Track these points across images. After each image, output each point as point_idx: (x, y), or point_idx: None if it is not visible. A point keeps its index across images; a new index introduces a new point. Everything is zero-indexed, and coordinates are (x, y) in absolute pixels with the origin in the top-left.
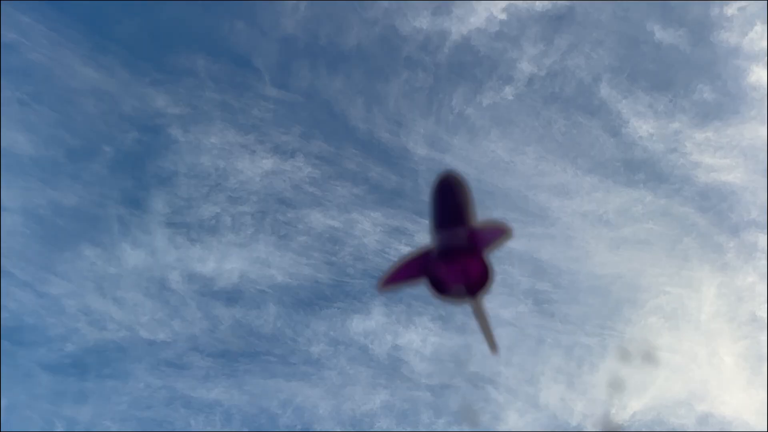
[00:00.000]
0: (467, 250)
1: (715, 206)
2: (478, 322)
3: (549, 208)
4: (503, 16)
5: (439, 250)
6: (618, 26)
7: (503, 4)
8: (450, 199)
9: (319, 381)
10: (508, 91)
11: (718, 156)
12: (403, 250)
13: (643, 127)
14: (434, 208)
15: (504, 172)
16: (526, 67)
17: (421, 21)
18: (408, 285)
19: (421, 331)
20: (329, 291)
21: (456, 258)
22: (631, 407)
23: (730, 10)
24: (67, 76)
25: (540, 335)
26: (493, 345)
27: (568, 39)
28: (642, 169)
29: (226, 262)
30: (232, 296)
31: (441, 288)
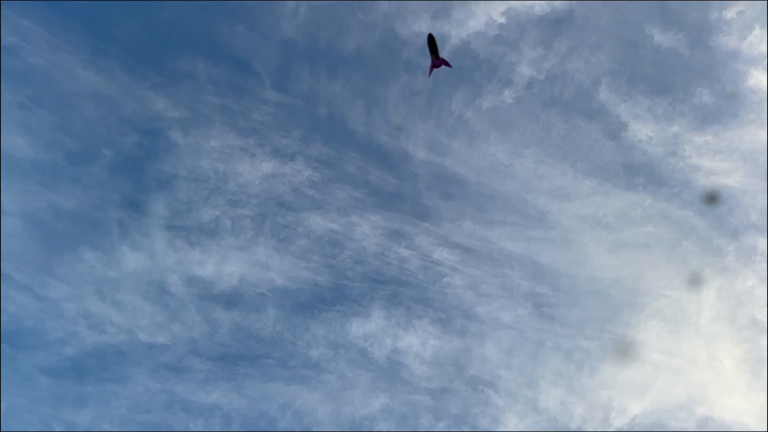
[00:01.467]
0: (437, 59)
1: (715, 209)
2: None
3: (548, 211)
4: (502, 20)
5: (433, 60)
6: (617, 30)
7: (502, 7)
8: (432, 45)
9: (318, 384)
10: (508, 95)
11: (717, 159)
12: (402, 253)
13: (643, 130)
14: (428, 47)
15: (503, 175)
16: (525, 71)
17: (421, 24)
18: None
19: (420, 335)
20: (329, 294)
21: (436, 60)
22: (631, 411)
23: (729, 13)
24: (67, 79)
25: (540, 339)
26: (448, 65)
27: (567, 42)
28: (641, 173)
29: (226, 265)
30: (231, 300)
31: (435, 66)
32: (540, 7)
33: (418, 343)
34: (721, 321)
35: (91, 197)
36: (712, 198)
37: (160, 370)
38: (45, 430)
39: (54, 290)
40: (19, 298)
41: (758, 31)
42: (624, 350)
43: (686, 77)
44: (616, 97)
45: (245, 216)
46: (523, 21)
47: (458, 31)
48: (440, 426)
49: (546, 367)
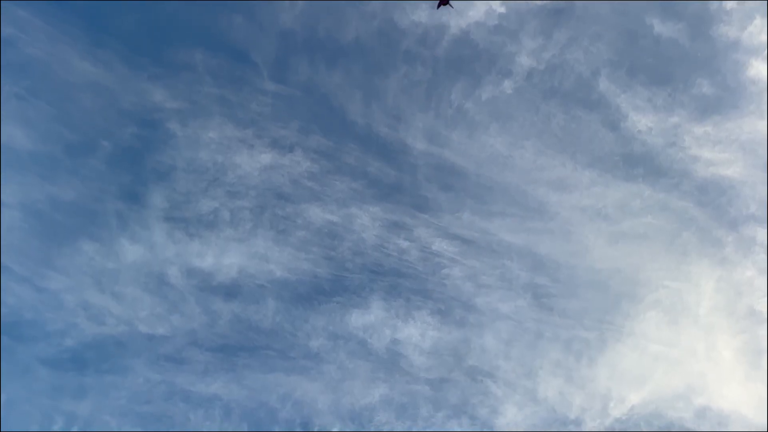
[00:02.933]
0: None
1: (714, 200)
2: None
3: (548, 202)
4: (502, 10)
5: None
6: (617, 20)
7: None
8: None
9: (318, 375)
10: (507, 85)
11: (717, 150)
12: (402, 245)
13: (642, 121)
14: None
15: (503, 166)
16: (525, 61)
17: (420, 14)
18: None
19: (420, 326)
20: (328, 286)
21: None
22: (630, 400)
23: (730, 4)
24: (65, 70)
25: (539, 329)
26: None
27: (567, 33)
28: (641, 164)
29: (225, 257)
30: (230, 291)
31: (443, 3)
32: None
33: (418, 333)
34: (720, 312)
35: (90, 189)
36: None
37: (159, 361)
38: (45, 425)
39: (53, 282)
40: (18, 289)
41: (758, 22)
42: (623, 340)
43: (686, 68)
44: (616, 88)
45: (244, 207)
46: (523, 11)
47: (457, 20)
48: (439, 416)
49: (545, 357)
